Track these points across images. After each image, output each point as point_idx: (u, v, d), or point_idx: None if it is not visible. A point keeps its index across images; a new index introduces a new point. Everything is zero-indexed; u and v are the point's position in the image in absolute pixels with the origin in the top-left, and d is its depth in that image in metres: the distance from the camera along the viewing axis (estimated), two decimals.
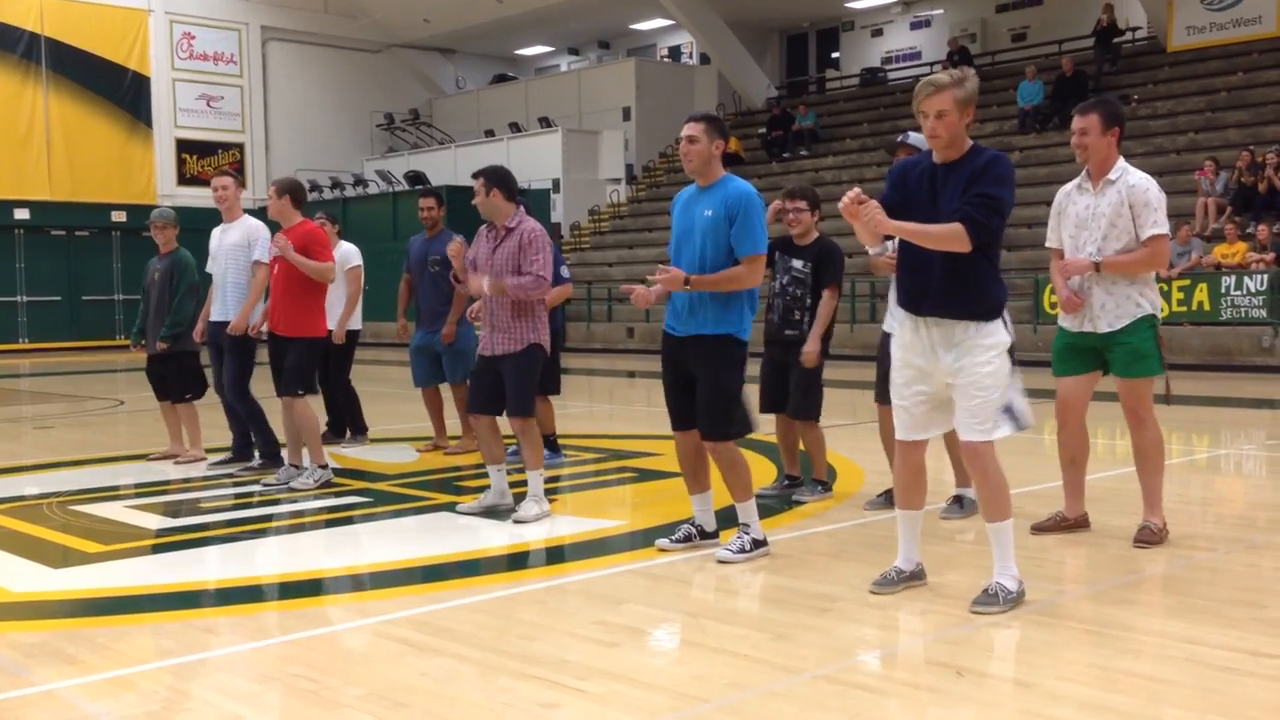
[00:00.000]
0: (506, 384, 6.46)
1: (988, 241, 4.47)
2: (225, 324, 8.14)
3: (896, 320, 4.82)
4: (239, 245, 8.18)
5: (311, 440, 7.63)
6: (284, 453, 8.04)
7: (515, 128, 30.31)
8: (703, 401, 5.44)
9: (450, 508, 6.84)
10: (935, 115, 4.50)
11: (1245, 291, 16.10)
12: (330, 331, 8.65)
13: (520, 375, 6.47)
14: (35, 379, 20.00)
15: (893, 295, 6.47)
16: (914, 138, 5.85)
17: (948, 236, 4.45)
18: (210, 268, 8.38)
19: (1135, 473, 5.77)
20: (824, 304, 6.69)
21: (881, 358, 6.54)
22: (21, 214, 27.36)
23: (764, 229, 5.45)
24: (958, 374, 4.55)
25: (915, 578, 4.88)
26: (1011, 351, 4.62)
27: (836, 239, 7.22)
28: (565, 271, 8.36)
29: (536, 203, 24.30)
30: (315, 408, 7.85)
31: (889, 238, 4.82)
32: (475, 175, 6.64)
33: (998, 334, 4.57)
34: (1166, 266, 6.76)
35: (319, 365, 8.13)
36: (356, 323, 9.76)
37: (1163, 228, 5.47)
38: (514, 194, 6.61)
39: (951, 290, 4.52)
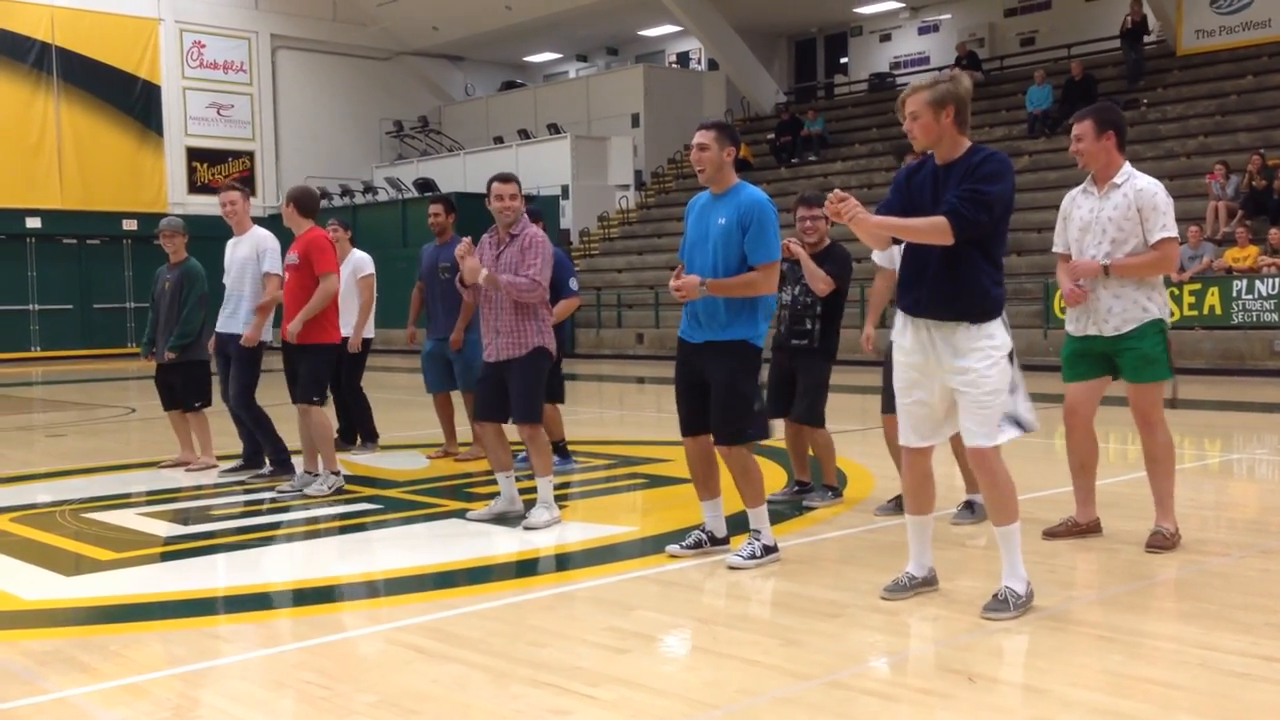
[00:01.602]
0: (512, 390, 6.45)
1: (974, 237, 4.45)
2: (231, 335, 8.17)
3: (896, 324, 4.83)
4: (248, 259, 8.19)
5: (325, 447, 7.66)
6: (295, 460, 8.06)
7: (524, 134, 30.38)
8: (716, 406, 5.44)
9: (460, 514, 6.84)
10: (909, 116, 4.59)
11: (1256, 295, 16.06)
12: (345, 339, 8.66)
13: (526, 380, 6.45)
14: (47, 387, 20.09)
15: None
16: None
17: (930, 229, 4.46)
18: (225, 279, 8.42)
19: (1146, 478, 5.76)
20: (823, 279, 6.64)
21: (887, 366, 6.55)
22: (33, 223, 27.49)
23: (778, 236, 5.46)
24: (960, 378, 4.54)
25: (927, 583, 4.87)
26: (1011, 356, 4.62)
27: (847, 244, 7.20)
28: (574, 284, 8.30)
29: (545, 209, 24.31)
30: (326, 414, 7.86)
31: (896, 243, 4.83)
32: (509, 178, 6.60)
33: (998, 336, 4.56)
34: (1176, 270, 6.75)
35: (332, 372, 8.15)
36: (369, 330, 9.79)
37: (1172, 231, 5.47)
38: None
39: (946, 291, 4.52)
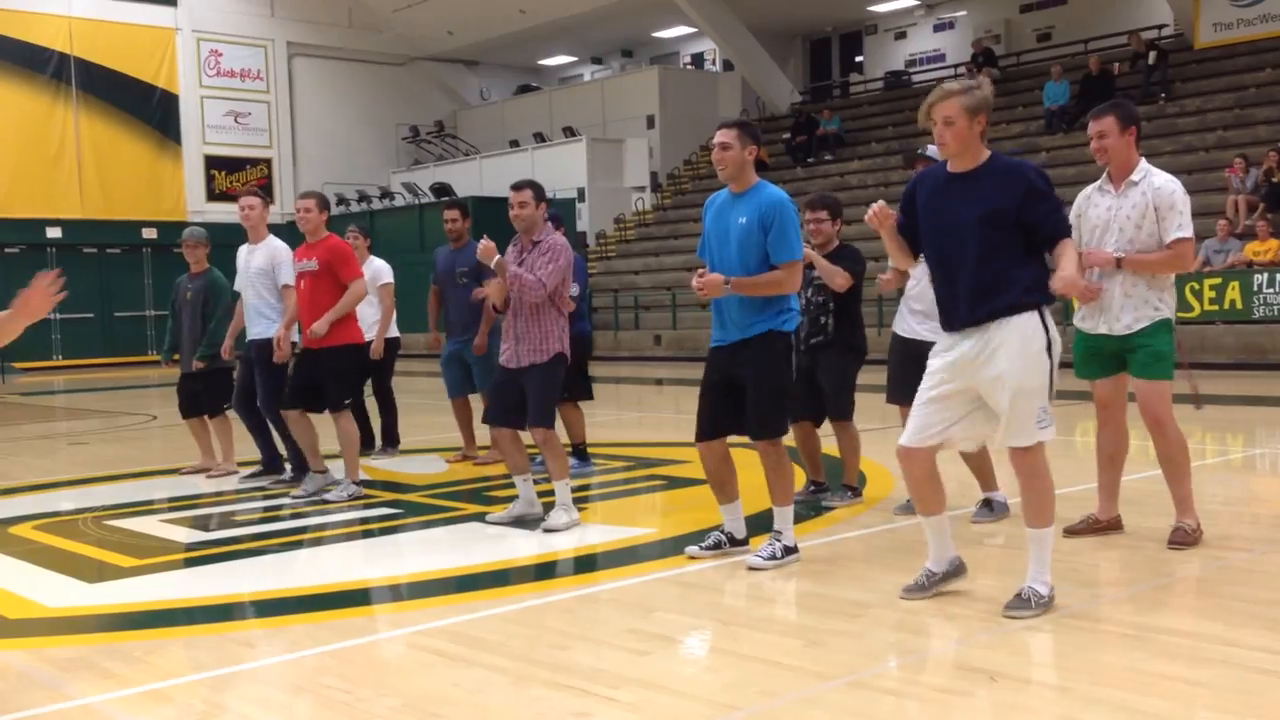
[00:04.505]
0: (530, 396, 6.46)
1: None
2: (255, 341, 8.18)
3: (940, 341, 4.73)
4: (264, 270, 8.13)
5: (350, 455, 7.67)
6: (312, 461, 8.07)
7: (540, 138, 30.41)
8: (753, 402, 5.42)
9: (480, 518, 6.85)
10: (943, 122, 4.51)
11: (1278, 289, 15.94)
12: (369, 342, 8.71)
13: (544, 386, 6.47)
14: (69, 395, 20.21)
15: (904, 300, 6.47)
16: (932, 150, 5.84)
17: (1070, 252, 4.50)
18: (238, 285, 8.44)
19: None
20: (840, 274, 6.59)
21: (892, 359, 6.53)
22: (54, 232, 27.68)
23: (799, 235, 5.46)
24: (988, 378, 4.49)
25: (949, 576, 4.79)
26: (1051, 351, 4.51)
27: (859, 244, 7.19)
28: (573, 288, 8.24)
29: (562, 213, 24.33)
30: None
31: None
32: (521, 185, 6.60)
33: (1028, 329, 4.46)
34: (1190, 269, 6.67)
35: (363, 374, 8.14)
36: (393, 331, 9.82)
37: (1187, 231, 5.42)
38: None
39: (975, 302, 4.49)
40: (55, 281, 3.85)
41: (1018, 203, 4.47)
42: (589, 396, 8.52)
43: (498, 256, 6.44)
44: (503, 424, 6.61)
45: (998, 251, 4.47)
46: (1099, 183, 5.67)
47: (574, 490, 6.69)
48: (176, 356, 9.00)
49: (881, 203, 4.68)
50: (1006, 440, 4.55)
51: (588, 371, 8.54)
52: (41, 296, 3.83)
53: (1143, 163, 5.54)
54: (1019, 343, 4.46)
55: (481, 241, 6.53)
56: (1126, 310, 5.49)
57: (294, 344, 7.98)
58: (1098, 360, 5.67)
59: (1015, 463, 4.62)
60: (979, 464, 6.30)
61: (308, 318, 7.63)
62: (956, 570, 4.83)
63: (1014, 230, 4.49)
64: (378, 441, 9.81)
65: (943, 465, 4.86)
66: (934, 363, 4.68)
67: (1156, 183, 5.46)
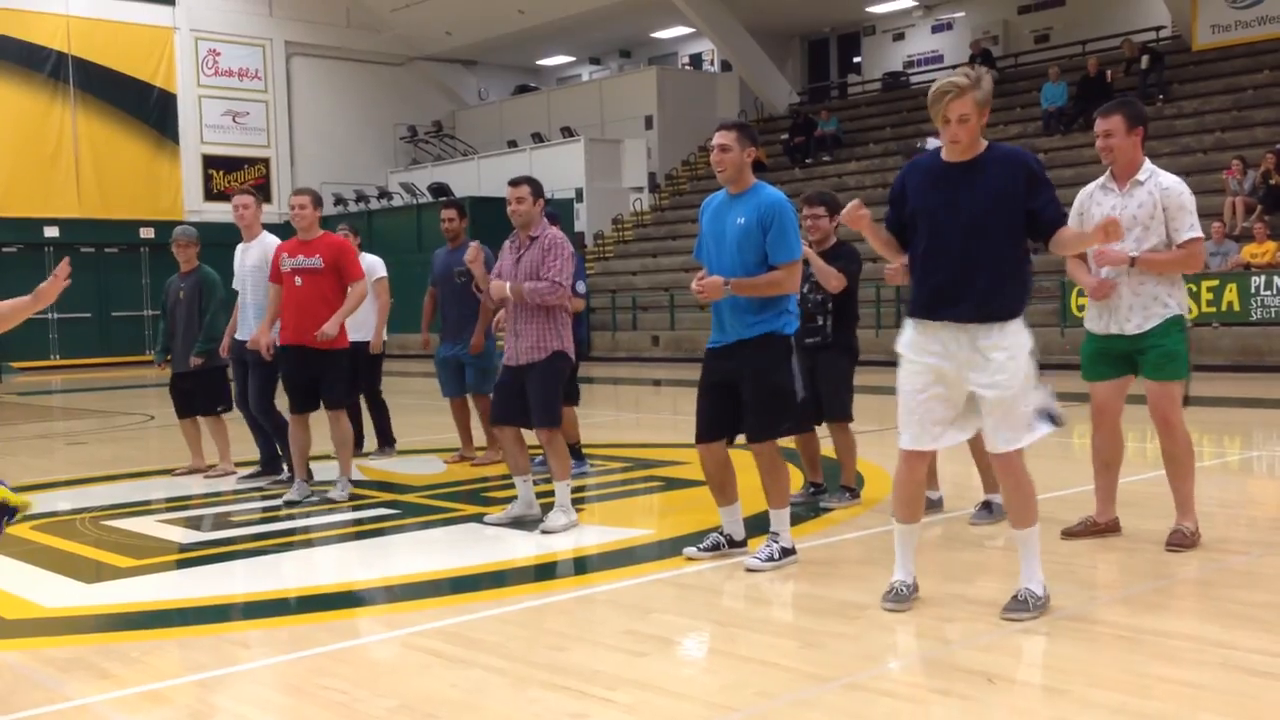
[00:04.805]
0: (531, 394, 6.46)
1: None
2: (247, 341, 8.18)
3: (911, 325, 4.68)
4: (258, 266, 8.17)
5: (344, 454, 7.68)
6: (312, 464, 8.05)
7: (538, 138, 30.40)
8: (751, 403, 5.41)
9: (478, 519, 6.85)
10: (958, 120, 4.40)
11: (1275, 291, 15.95)
12: (365, 342, 8.68)
13: (546, 384, 6.46)
14: (66, 395, 20.20)
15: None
16: (933, 143, 5.83)
17: (1075, 240, 4.70)
18: (236, 284, 8.44)
19: (1165, 477, 5.72)
20: (834, 275, 6.58)
21: None
22: (51, 231, 27.64)
23: (798, 235, 5.46)
24: (984, 383, 4.47)
25: (916, 585, 4.78)
26: (1031, 352, 4.53)
27: (856, 243, 7.18)
28: (581, 286, 8.25)
29: (560, 212, 24.32)
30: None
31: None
32: (519, 181, 6.62)
33: (1021, 333, 4.49)
34: (1200, 269, 6.67)
35: (354, 374, 8.21)
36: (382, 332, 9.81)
37: (1198, 231, 5.43)
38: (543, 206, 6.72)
39: (979, 293, 4.45)
40: (65, 268, 4.38)
41: (1023, 188, 4.45)
42: (575, 401, 8.44)
43: (507, 286, 6.43)
44: (507, 422, 6.61)
45: (999, 248, 4.45)
46: (1101, 180, 5.66)
47: (572, 491, 6.69)
48: (169, 358, 9.01)
49: (857, 201, 4.65)
50: (996, 443, 4.53)
51: (577, 374, 8.49)
52: (56, 283, 4.34)
53: (1147, 162, 5.54)
54: (1009, 351, 4.44)
55: (493, 281, 6.52)
56: (1136, 310, 5.47)
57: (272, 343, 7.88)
58: (1106, 361, 5.64)
59: (998, 465, 4.62)
60: (987, 464, 6.27)
61: (311, 315, 7.51)
62: (916, 584, 4.79)
63: (1018, 222, 4.47)
64: (366, 442, 9.78)
65: (940, 466, 4.87)
66: (915, 359, 4.59)
67: (1165, 183, 5.45)
